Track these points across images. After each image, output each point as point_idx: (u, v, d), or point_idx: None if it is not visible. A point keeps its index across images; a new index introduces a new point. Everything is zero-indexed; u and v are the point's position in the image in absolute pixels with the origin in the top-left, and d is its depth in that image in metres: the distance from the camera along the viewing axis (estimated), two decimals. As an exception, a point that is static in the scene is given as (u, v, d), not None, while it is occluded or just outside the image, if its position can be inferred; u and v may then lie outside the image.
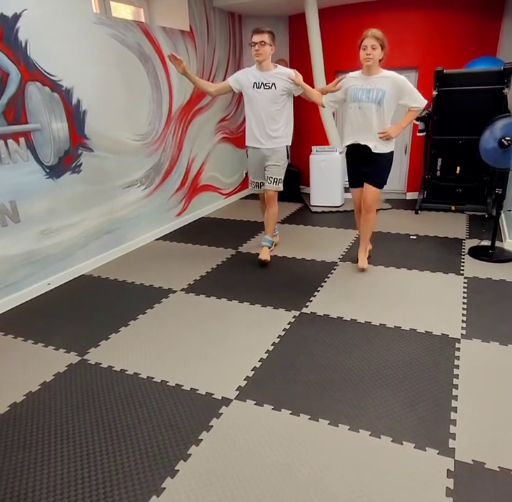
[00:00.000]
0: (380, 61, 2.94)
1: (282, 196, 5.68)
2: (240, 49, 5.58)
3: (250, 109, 3.40)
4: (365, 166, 3.19)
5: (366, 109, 3.03)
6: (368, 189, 3.21)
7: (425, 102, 3.03)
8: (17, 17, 2.81)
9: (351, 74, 3.10)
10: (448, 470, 1.60)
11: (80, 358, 2.39)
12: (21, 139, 2.94)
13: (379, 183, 3.21)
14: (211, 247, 4.08)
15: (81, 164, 3.42)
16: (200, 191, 5.08)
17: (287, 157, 3.54)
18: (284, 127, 3.41)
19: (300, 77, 3.28)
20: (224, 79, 5.19)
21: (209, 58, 4.92)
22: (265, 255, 3.58)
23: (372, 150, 3.09)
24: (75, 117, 3.32)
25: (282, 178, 3.54)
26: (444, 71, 4.46)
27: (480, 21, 4.85)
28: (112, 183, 3.77)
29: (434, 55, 4.89)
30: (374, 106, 3.00)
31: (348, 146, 3.25)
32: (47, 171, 3.15)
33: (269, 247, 3.69)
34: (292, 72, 3.27)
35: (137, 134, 3.99)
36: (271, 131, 3.37)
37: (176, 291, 3.18)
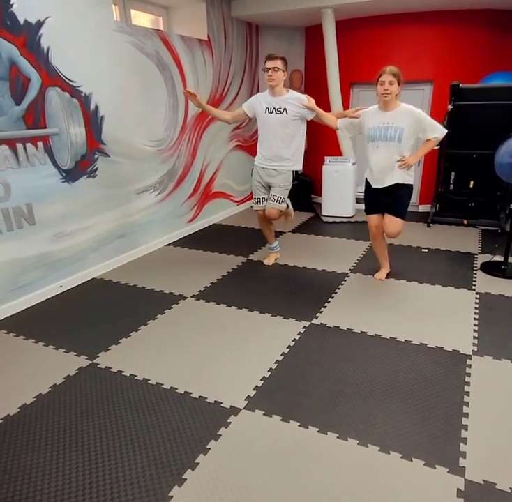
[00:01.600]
0: (397, 96, 2.95)
1: (294, 205, 5.69)
2: (256, 59, 5.63)
3: (262, 132, 3.47)
4: (385, 197, 3.17)
5: (384, 148, 3.03)
6: (392, 220, 3.19)
7: (445, 131, 3.00)
8: (40, 24, 2.87)
9: (369, 109, 3.09)
10: (458, 489, 1.58)
11: (90, 362, 2.41)
12: (40, 143, 2.99)
13: (402, 213, 3.20)
14: (222, 254, 4.09)
15: (96, 168, 3.46)
16: (212, 198, 5.11)
17: (292, 181, 3.58)
18: (294, 152, 3.44)
19: (312, 101, 3.31)
20: (239, 89, 5.27)
21: (226, 67, 4.97)
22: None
23: (393, 180, 3.09)
24: (93, 122, 3.37)
25: (285, 198, 3.59)
26: (460, 85, 4.47)
27: (496, 36, 4.85)
28: (126, 187, 3.81)
29: (450, 69, 4.89)
30: (392, 143, 3.00)
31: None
32: (64, 175, 3.19)
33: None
34: (304, 98, 3.31)
35: (153, 140, 4.03)
36: (281, 154, 3.42)
37: (186, 298, 3.19)
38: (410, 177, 3.13)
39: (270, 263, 3.82)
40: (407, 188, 3.16)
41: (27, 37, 2.81)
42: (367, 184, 3.29)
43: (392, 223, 3.19)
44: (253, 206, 3.74)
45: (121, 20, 3.94)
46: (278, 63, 3.22)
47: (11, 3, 2.68)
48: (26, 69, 2.84)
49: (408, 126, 2.95)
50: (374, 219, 3.31)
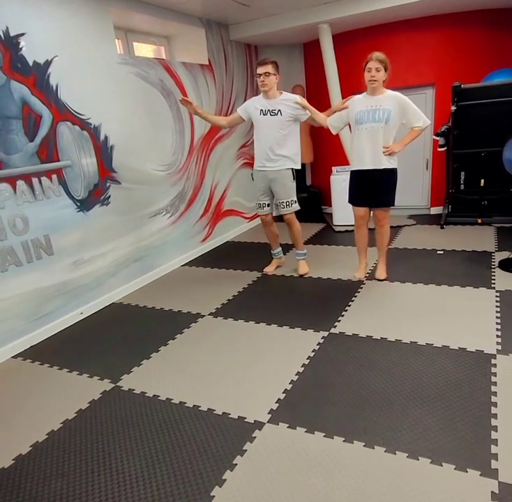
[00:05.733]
0: (384, 82, 3.08)
1: (305, 217, 5.72)
2: (257, 78, 5.74)
3: (257, 135, 3.57)
4: (370, 186, 3.27)
5: (372, 130, 3.13)
6: (380, 212, 3.33)
7: (429, 122, 3.11)
8: (48, 63, 3.01)
9: (356, 96, 3.23)
10: (492, 492, 1.54)
11: (114, 385, 2.44)
12: (54, 176, 3.10)
13: (387, 201, 3.30)
14: (237, 271, 4.12)
15: (109, 196, 3.56)
16: (224, 216, 5.18)
17: (293, 179, 3.63)
18: (290, 151, 3.53)
19: (305, 100, 3.43)
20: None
21: (228, 88, 5.09)
22: (304, 269, 3.81)
23: (378, 167, 3.19)
24: (103, 152, 3.48)
25: (295, 199, 3.64)
26: (462, 86, 4.48)
27: (495, 34, 4.86)
28: (139, 212, 3.90)
29: (451, 71, 4.91)
30: (381, 125, 3.10)
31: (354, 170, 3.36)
32: (78, 204, 3.29)
33: (304, 259, 3.88)
34: (297, 97, 3.43)
35: (162, 164, 4.13)
36: (277, 155, 3.50)
37: (204, 316, 3.22)
38: (394, 161, 3.23)
39: (272, 270, 3.86)
40: (392, 173, 3.25)
41: (37, 76, 2.94)
42: (353, 175, 3.37)
43: (381, 213, 3.35)
44: (257, 211, 3.83)
45: (125, 53, 4.09)
46: (269, 68, 3.33)
47: (20, 46, 2.82)
48: (38, 107, 2.97)
49: (395, 109, 3.07)
50: (360, 210, 3.41)
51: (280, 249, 4.02)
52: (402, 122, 3.14)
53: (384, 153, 3.13)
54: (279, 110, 3.40)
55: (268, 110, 3.42)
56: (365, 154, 3.20)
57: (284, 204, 3.60)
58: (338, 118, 3.32)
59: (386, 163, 3.18)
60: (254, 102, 3.53)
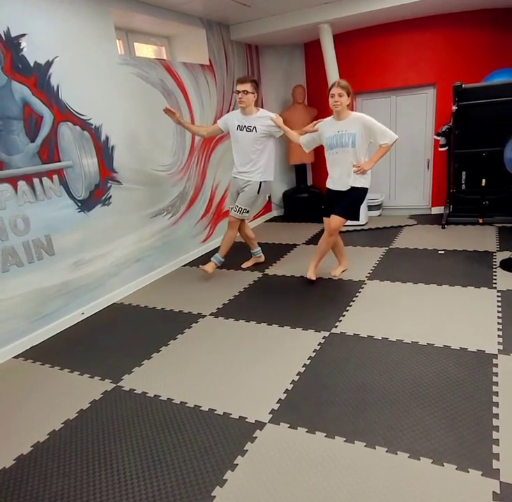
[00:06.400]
0: (348, 106, 3.23)
1: (305, 217, 5.73)
2: (258, 78, 5.75)
3: (234, 146, 3.76)
4: (339, 200, 3.41)
5: (341, 154, 3.29)
6: (333, 218, 3.40)
7: (396, 137, 3.22)
8: (49, 63, 3.02)
9: (325, 120, 3.38)
10: (493, 492, 1.53)
11: (115, 385, 2.44)
12: (55, 176, 3.10)
13: (344, 214, 3.39)
14: (238, 271, 4.12)
15: (110, 196, 3.56)
16: (225, 216, 5.15)
17: (258, 192, 3.79)
18: (261, 165, 3.71)
19: (280, 119, 3.59)
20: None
21: (229, 88, 5.09)
22: (208, 268, 3.85)
23: (348, 184, 3.32)
24: (104, 152, 3.49)
25: (248, 209, 3.83)
26: (463, 86, 4.47)
27: (495, 34, 4.86)
28: (140, 212, 3.90)
29: (452, 70, 4.91)
30: (348, 149, 3.25)
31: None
32: (79, 205, 3.30)
33: (215, 264, 3.93)
34: (273, 115, 3.59)
35: (163, 165, 4.13)
36: (249, 167, 3.70)
37: (205, 316, 3.22)
38: (365, 181, 3.34)
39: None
40: (361, 191, 3.37)
41: (38, 77, 2.95)
42: (327, 192, 3.54)
43: (332, 220, 3.41)
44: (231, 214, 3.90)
45: (125, 53, 4.10)
46: (247, 87, 3.49)
47: (21, 47, 2.83)
48: (39, 107, 2.97)
49: (359, 131, 3.21)
50: (327, 221, 3.50)
51: (259, 248, 4.24)
52: (371, 141, 3.27)
53: (355, 172, 3.27)
54: (254, 127, 3.58)
55: (245, 126, 3.61)
56: (335, 177, 3.40)
57: (237, 208, 3.79)
58: (311, 139, 3.50)
59: (353, 182, 3.31)
60: (232, 116, 3.72)
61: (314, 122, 3.46)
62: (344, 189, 3.36)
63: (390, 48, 5.09)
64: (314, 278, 3.58)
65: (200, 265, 3.99)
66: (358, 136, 3.21)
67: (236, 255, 4.67)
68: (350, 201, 3.38)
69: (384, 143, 3.21)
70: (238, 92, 3.50)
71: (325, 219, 3.55)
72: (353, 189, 3.34)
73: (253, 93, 3.52)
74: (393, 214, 5.67)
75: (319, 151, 5.82)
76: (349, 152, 3.25)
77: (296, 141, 3.60)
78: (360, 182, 3.32)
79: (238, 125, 3.63)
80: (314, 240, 4.92)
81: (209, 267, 3.88)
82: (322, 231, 5.27)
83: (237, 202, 3.80)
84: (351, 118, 3.24)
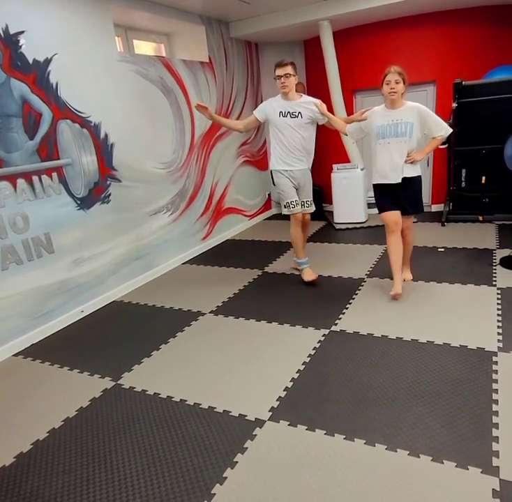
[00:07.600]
0: (402, 94, 3.01)
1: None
2: (258, 76, 5.74)
3: (277, 137, 3.44)
4: (397, 194, 3.18)
5: (395, 143, 3.07)
6: (408, 218, 3.27)
7: (450, 130, 3.06)
8: (48, 61, 3.00)
9: (375, 109, 3.14)
10: (493, 489, 1.54)
11: (114, 383, 2.44)
12: (54, 174, 3.09)
13: (417, 210, 3.25)
14: (238, 269, 4.12)
15: (109, 194, 3.56)
16: (224, 214, 5.17)
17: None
18: (311, 152, 3.54)
19: (324, 106, 3.40)
20: (243, 106, 5.36)
21: (228, 86, 5.07)
22: (313, 276, 3.59)
23: (404, 175, 3.11)
24: (103, 150, 3.48)
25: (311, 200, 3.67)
26: (463, 83, 4.46)
27: (496, 31, 4.85)
28: (140, 210, 3.90)
29: (452, 68, 4.89)
30: (404, 139, 3.04)
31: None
32: (78, 202, 3.29)
33: (309, 267, 3.67)
34: (317, 101, 3.40)
35: (162, 162, 4.13)
36: (299, 155, 3.47)
37: (205, 314, 3.22)
38: (419, 168, 3.19)
39: (314, 278, 3.57)
40: (419, 180, 3.21)
41: (37, 74, 2.94)
42: (377, 188, 3.27)
43: (407, 220, 3.27)
44: (291, 210, 3.54)
45: (125, 51, 4.09)
46: (289, 69, 3.27)
47: (20, 44, 2.82)
48: (38, 105, 2.96)
49: (416, 121, 3.03)
50: (391, 215, 3.21)
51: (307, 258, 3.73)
52: (424, 132, 3.10)
53: (406, 161, 3.08)
54: (299, 112, 3.36)
55: (288, 112, 3.36)
56: (386, 168, 3.14)
57: (309, 203, 3.62)
58: (359, 128, 3.27)
59: (410, 172, 3.12)
60: (272, 103, 3.42)
61: (362, 110, 3.23)
62: (398, 180, 3.13)
63: (390, 45, 5.07)
64: (400, 292, 3.14)
65: (308, 279, 3.57)
66: (415, 126, 3.03)
67: (236, 253, 4.67)
68: (414, 195, 3.21)
69: (440, 135, 3.07)
70: (280, 77, 3.26)
71: (387, 213, 3.22)
72: (411, 181, 3.14)
73: (295, 75, 3.30)
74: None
75: (319, 149, 5.83)
76: (405, 142, 3.05)
77: (341, 130, 3.39)
78: (415, 171, 3.15)
79: (281, 112, 3.36)
80: (315, 237, 4.92)
81: (313, 275, 3.59)
82: (323, 228, 5.32)
83: (305, 197, 3.57)
84: (408, 107, 3.04)
